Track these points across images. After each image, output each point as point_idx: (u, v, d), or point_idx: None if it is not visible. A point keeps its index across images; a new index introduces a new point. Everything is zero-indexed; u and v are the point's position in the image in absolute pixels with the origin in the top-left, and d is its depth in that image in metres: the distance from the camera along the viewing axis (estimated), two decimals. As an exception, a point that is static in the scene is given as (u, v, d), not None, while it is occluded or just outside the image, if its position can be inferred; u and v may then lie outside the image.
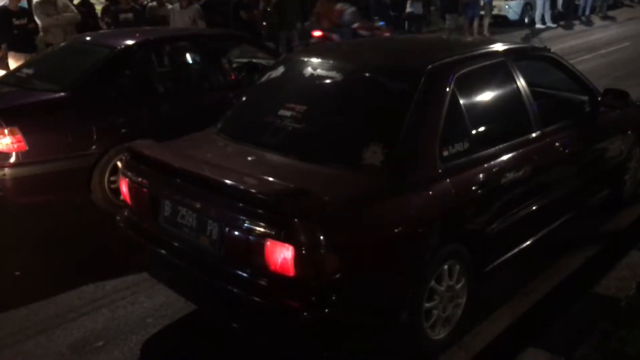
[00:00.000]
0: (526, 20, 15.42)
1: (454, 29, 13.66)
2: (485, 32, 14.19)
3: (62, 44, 5.67)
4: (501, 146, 3.20)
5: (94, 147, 4.53)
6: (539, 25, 14.89)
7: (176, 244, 2.93)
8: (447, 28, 13.75)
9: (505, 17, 15.64)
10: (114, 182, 4.54)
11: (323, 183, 2.67)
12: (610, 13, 17.76)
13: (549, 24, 14.96)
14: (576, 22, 16.25)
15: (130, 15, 8.64)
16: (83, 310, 3.49)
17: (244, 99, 3.63)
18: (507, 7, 15.66)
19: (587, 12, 17.14)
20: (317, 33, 9.07)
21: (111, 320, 3.38)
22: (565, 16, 16.89)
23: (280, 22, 10.50)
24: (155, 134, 3.48)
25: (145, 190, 3.04)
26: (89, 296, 3.63)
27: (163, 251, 3.00)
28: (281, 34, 10.53)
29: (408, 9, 12.91)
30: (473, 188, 2.98)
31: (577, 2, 17.15)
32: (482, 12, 13.89)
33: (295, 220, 2.38)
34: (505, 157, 3.18)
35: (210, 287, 2.82)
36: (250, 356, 3.02)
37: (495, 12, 15.22)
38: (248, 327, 2.77)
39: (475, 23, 13.72)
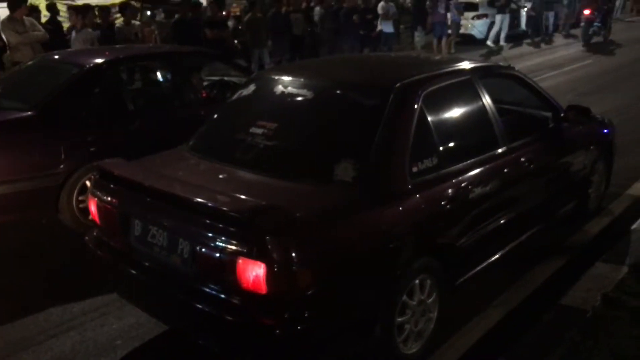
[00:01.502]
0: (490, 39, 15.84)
1: (423, 46, 13.97)
2: (452, 50, 14.52)
3: (30, 62, 5.60)
4: (469, 162, 3.26)
5: (62, 166, 4.46)
6: (490, 44, 15.33)
7: (147, 264, 2.91)
8: (416, 45, 14.05)
9: (471, 36, 16.01)
10: (83, 201, 4.47)
11: (295, 199, 2.68)
12: (573, 31, 18.33)
13: (502, 42, 15.45)
14: (540, 40, 16.72)
15: (97, 32, 8.56)
16: (51, 332, 3.41)
17: (215, 116, 3.63)
18: (472, 26, 16.04)
19: (550, 31, 17.66)
20: None
21: (80, 343, 3.31)
22: (530, 34, 17.39)
23: (252, 40, 10.56)
24: (126, 152, 3.46)
25: (114, 209, 3.01)
26: (56, 318, 3.55)
27: (133, 271, 2.97)
28: (254, 51, 10.59)
29: (378, 28, 13.11)
30: (442, 203, 3.03)
31: (544, 22, 17.66)
32: (449, 31, 14.23)
33: (267, 237, 2.38)
34: (473, 173, 3.25)
35: (183, 306, 2.78)
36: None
37: (462, 30, 15.60)
38: (222, 346, 2.75)
39: (444, 41, 14.03)
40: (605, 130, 4.74)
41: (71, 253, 4.11)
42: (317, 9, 12.66)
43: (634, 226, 4.22)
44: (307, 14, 12.16)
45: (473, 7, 16.37)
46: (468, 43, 15.55)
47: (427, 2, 13.76)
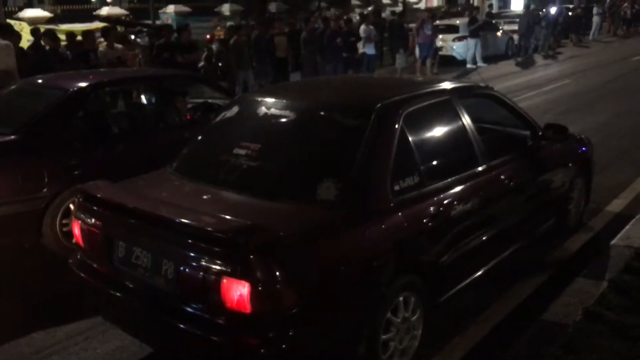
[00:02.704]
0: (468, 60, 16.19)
1: (405, 68, 14.18)
2: (435, 70, 14.77)
3: (14, 87, 5.60)
4: (450, 180, 3.32)
5: (45, 189, 4.44)
6: (470, 65, 15.71)
7: (131, 285, 2.90)
8: (397, 67, 14.26)
9: (452, 57, 16.31)
10: (66, 225, 4.44)
11: (278, 219, 2.71)
12: (551, 52, 18.75)
13: (480, 63, 15.83)
14: (520, 61, 17.09)
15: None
16: (33, 358, 3.36)
17: (199, 138, 3.66)
18: (453, 47, 16.35)
19: (529, 52, 18.05)
20: None
21: (63, 367, 3.28)
22: (510, 56, 17.77)
23: (237, 62, 10.65)
24: (110, 175, 3.46)
25: (98, 231, 3.01)
26: (39, 343, 3.50)
27: (118, 293, 2.96)
28: (239, 74, 10.68)
29: (361, 50, 13.31)
30: (424, 220, 3.08)
31: (522, 43, 18.06)
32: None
33: (251, 256, 2.40)
34: (454, 190, 3.31)
35: (167, 327, 2.78)
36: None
37: (442, 52, 15.90)
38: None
39: (428, 62, 14.28)
40: (583, 148, 4.84)
41: (54, 277, 4.07)
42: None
43: (613, 242, 4.29)
44: (291, 37, 12.32)
45: (454, 29, 16.73)
46: (449, 64, 15.83)
47: (406, 25, 14.04)
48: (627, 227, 4.57)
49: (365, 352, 2.80)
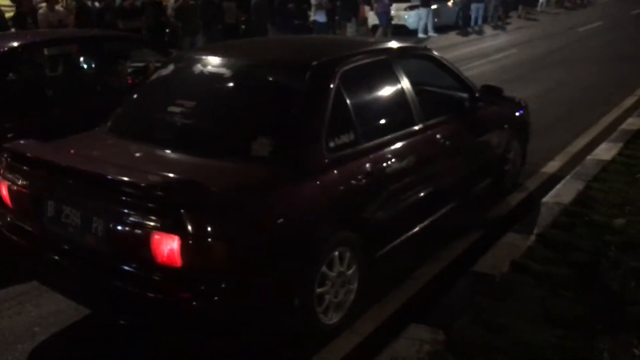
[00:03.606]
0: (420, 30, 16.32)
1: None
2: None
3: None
4: (385, 138, 3.37)
5: (-25, 154, 4.27)
6: (421, 35, 15.90)
7: (62, 246, 2.85)
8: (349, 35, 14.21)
9: (404, 27, 16.39)
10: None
11: (211, 175, 2.70)
12: (500, 23, 19.08)
13: (431, 33, 16.03)
14: (470, 31, 17.33)
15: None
16: (-37, 322, 3.29)
17: (134, 97, 3.59)
18: (406, 17, 16.42)
19: (479, 22, 18.30)
20: None
21: (-5, 332, 3.21)
22: (460, 26, 17.99)
23: (184, 27, 10.41)
24: (46, 139, 3.35)
25: (27, 191, 2.93)
26: (-30, 308, 3.43)
27: (49, 254, 2.90)
28: (185, 39, 10.44)
29: (312, 18, 13.20)
30: (359, 177, 3.12)
31: (470, 13, 18.28)
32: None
33: (181, 210, 2.40)
34: (389, 148, 3.36)
35: (100, 286, 2.75)
36: (147, 357, 2.98)
37: (395, 21, 15.94)
38: (143, 323, 2.74)
39: (381, 31, 14.30)
40: (520, 111, 4.98)
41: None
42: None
43: (544, 199, 4.48)
44: (242, 3, 12.08)
45: (405, -2, 16.78)
46: (401, 34, 15.91)
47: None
48: (558, 186, 4.78)
49: (300, 304, 2.85)
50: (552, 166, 5.64)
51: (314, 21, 13.18)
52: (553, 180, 5.17)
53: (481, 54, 13.01)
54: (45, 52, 5.34)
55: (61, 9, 8.91)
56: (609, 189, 4.68)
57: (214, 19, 11.03)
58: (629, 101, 8.15)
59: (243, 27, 12.00)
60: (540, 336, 2.81)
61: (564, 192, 4.59)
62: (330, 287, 3.01)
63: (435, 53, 4.30)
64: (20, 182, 2.95)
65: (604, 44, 14.16)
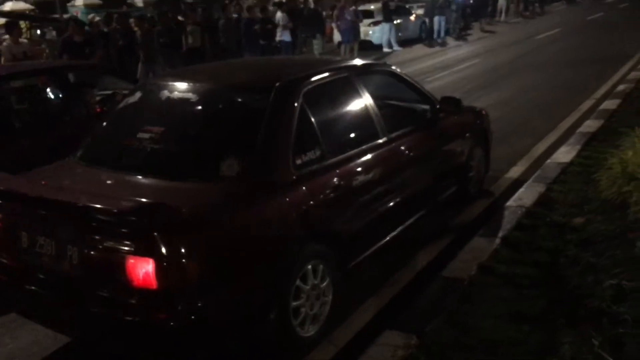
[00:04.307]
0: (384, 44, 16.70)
1: (322, 53, 14.38)
2: (355, 54, 15.08)
3: None
4: (350, 152, 3.50)
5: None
6: (386, 49, 16.29)
7: (38, 275, 2.88)
8: (315, 53, 14.45)
9: (370, 42, 16.72)
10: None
11: (181, 197, 2.78)
12: (462, 34, 19.59)
13: (395, 47, 16.44)
14: (432, 43, 17.77)
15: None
16: (-60, 358, 3.28)
17: (103, 125, 3.65)
18: (370, 32, 16.76)
19: (442, 35, 18.76)
20: None
21: (-28, 365, 3.21)
22: (423, 38, 18.42)
23: (145, 54, 10.44)
24: (14, 171, 3.38)
25: (0, 224, 2.96)
26: (-53, 344, 3.41)
27: (25, 284, 2.94)
28: (146, 66, 10.44)
29: (278, 38, 13.41)
30: (327, 191, 3.24)
31: (432, 26, 18.73)
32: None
33: (154, 233, 2.47)
34: (355, 162, 3.49)
35: (79, 313, 2.80)
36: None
37: (361, 37, 16.25)
38: (124, 345, 2.78)
39: (346, 48, 14.54)
40: (480, 119, 5.17)
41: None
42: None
43: (507, 203, 4.65)
44: (207, 26, 12.18)
45: (369, 14, 17.13)
46: (368, 48, 16.23)
47: (324, 12, 14.26)
48: (520, 189, 4.96)
49: (276, 318, 2.92)
50: (515, 171, 5.83)
51: (280, 41, 13.37)
52: (516, 184, 5.35)
53: (445, 65, 13.35)
54: (10, 83, 5.35)
55: (25, 40, 8.88)
56: (568, 190, 4.88)
57: (171, 45, 10.96)
58: (586, 104, 8.47)
59: (209, 49, 12.10)
60: (507, 333, 2.94)
61: (526, 196, 4.77)
62: (306, 300, 3.10)
63: (395, 68, 4.47)
64: (-8, 215, 2.98)
65: (563, 49, 14.66)
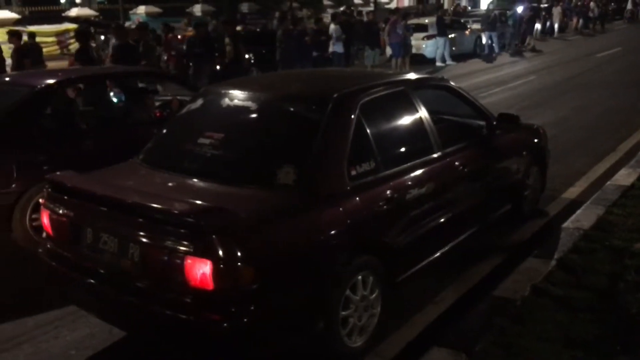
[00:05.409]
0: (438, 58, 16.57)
1: (375, 65, 14.39)
2: (407, 68, 15.05)
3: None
4: (404, 166, 3.50)
5: (14, 185, 4.50)
6: (439, 64, 16.15)
7: (99, 270, 3.00)
8: (367, 64, 14.47)
9: (422, 55, 16.64)
10: (36, 219, 4.50)
11: (239, 202, 2.85)
12: (518, 50, 19.23)
13: (449, 62, 16.30)
14: (488, 59, 17.52)
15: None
16: (2, 347, 3.43)
17: (165, 130, 3.78)
18: (423, 46, 16.69)
19: (496, 50, 18.48)
20: None
21: (33, 355, 3.35)
22: (478, 54, 18.18)
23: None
24: (80, 170, 3.54)
25: (66, 219, 3.10)
26: (9, 333, 3.57)
27: (87, 279, 3.06)
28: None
29: (331, 49, 13.53)
30: (380, 203, 3.24)
31: (489, 42, 18.45)
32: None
33: (213, 236, 2.54)
34: (409, 175, 3.49)
35: (136, 309, 2.88)
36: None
37: (414, 51, 16.21)
38: (177, 344, 2.85)
39: (399, 61, 14.53)
40: (537, 137, 5.07)
41: (24, 271, 4.13)
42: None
43: (564, 224, 4.53)
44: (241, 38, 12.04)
45: (423, 28, 17.05)
46: (421, 62, 16.16)
47: (380, 25, 14.30)
48: (578, 211, 4.82)
49: (324, 327, 2.94)
50: (571, 192, 5.69)
51: (333, 52, 13.48)
52: (573, 205, 5.22)
53: (499, 82, 13.14)
54: (78, 87, 5.60)
55: (92, 45, 9.30)
56: (628, 214, 4.71)
57: (207, 54, 10.75)
58: (648, 126, 8.18)
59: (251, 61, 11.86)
60: (560, 357, 2.86)
61: (583, 218, 4.63)
62: (354, 310, 3.11)
63: (452, 83, 4.45)
64: (60, 211, 3.13)
65: (623, 69, 14.21)
